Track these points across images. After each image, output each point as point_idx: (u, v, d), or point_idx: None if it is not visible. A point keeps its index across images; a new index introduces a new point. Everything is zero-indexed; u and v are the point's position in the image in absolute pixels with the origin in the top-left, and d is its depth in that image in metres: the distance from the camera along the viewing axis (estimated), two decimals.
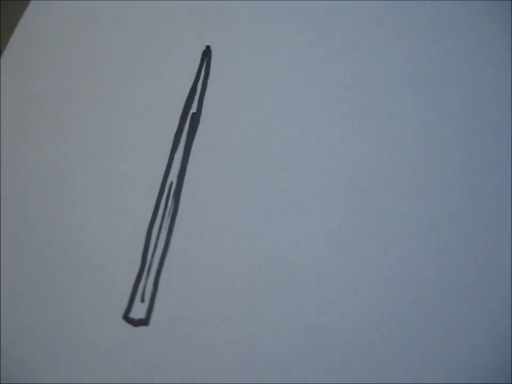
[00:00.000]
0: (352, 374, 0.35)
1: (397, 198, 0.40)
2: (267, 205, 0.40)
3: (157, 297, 0.37)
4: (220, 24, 0.48)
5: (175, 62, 0.46)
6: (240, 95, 0.45)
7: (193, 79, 0.46)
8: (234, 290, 0.37)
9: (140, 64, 0.46)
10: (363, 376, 0.35)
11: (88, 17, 0.49)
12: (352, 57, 0.46)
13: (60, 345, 0.36)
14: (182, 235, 0.39)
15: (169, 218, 0.40)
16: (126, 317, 0.37)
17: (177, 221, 0.40)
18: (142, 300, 0.37)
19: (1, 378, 0.35)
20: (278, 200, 0.40)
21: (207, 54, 0.47)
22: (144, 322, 0.37)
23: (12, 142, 0.43)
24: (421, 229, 0.39)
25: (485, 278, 0.37)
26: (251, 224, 0.39)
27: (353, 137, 0.42)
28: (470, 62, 0.45)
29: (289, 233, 0.39)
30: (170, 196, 0.41)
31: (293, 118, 0.43)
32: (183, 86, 0.45)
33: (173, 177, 0.41)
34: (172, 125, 0.44)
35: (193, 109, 0.44)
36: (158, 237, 0.39)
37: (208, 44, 0.47)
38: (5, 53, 0.47)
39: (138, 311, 0.37)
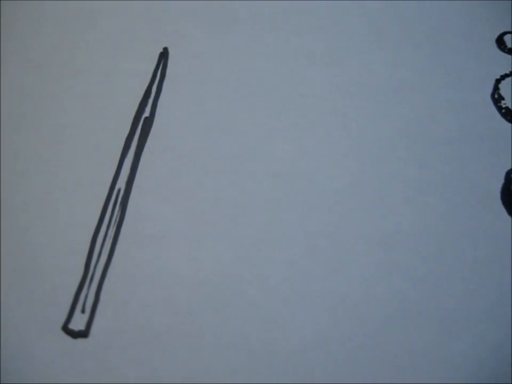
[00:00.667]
0: None
1: (349, 214, 0.39)
2: (215, 215, 0.39)
3: (98, 308, 0.36)
4: (178, 25, 0.47)
5: (129, 63, 0.45)
6: (195, 100, 0.44)
7: (148, 81, 0.45)
8: (177, 303, 0.36)
9: (91, 63, 0.45)
10: None
11: (42, 13, 0.47)
12: (308, 66, 0.45)
13: None
14: (127, 244, 0.38)
15: (115, 226, 0.39)
16: (65, 328, 0.36)
17: (123, 229, 0.39)
18: (83, 311, 0.36)
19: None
20: (227, 210, 0.39)
21: (164, 55, 0.46)
22: (83, 334, 0.36)
23: None
24: (371, 246, 0.38)
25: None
26: (198, 235, 0.38)
27: (307, 148, 0.42)
28: (467, 66, 0.45)
29: (236, 244, 0.38)
30: (117, 203, 0.40)
31: (247, 126, 0.42)
32: (138, 88, 0.44)
33: (121, 183, 0.40)
34: (123, 128, 0.42)
35: (147, 112, 0.43)
36: (102, 245, 0.38)
37: (165, 46, 0.46)
38: None
39: (78, 322, 0.36)
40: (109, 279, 0.37)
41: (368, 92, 0.44)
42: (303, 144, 0.42)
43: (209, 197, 0.40)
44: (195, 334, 0.35)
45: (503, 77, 0.45)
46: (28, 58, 0.45)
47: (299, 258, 0.38)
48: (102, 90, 0.44)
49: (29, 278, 0.37)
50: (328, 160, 0.41)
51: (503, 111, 0.43)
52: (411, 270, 0.37)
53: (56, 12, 0.47)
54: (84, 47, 0.46)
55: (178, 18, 0.47)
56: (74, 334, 0.36)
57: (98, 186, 0.40)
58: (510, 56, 0.46)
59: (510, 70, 0.45)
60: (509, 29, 0.47)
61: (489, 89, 0.44)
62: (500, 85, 0.44)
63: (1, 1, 0.47)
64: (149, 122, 0.43)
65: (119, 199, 0.40)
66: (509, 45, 0.46)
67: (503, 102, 0.43)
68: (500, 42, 0.46)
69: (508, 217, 0.39)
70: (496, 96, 0.44)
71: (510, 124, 0.43)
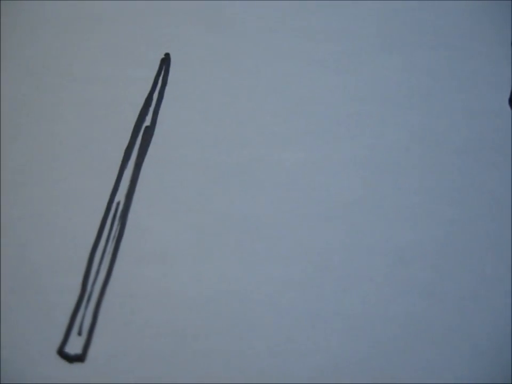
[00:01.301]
0: None
1: (361, 226, 0.37)
2: (221, 229, 0.37)
3: (95, 331, 0.34)
4: (181, 30, 0.45)
5: (129, 70, 0.43)
6: (199, 107, 0.41)
7: (149, 89, 0.42)
8: (180, 326, 0.34)
9: (89, 70, 0.43)
10: None
11: (40, 20, 0.45)
12: (318, 72, 0.43)
13: None
14: (126, 261, 0.36)
15: (114, 242, 0.36)
16: (60, 352, 0.33)
17: (122, 245, 0.36)
18: (79, 333, 0.34)
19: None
20: (234, 223, 0.37)
21: (165, 61, 0.44)
22: (80, 358, 0.33)
23: None
24: (386, 262, 0.36)
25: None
26: (203, 251, 0.36)
27: (319, 158, 0.39)
28: (471, 68, 0.43)
29: (244, 260, 0.36)
30: (116, 217, 0.37)
31: (252, 136, 0.40)
32: (139, 95, 0.42)
33: (120, 196, 0.38)
34: (123, 138, 0.40)
35: (147, 121, 0.41)
36: (100, 263, 0.36)
37: (167, 52, 0.44)
38: None
39: (75, 346, 0.34)
40: (108, 298, 0.35)
41: (381, 98, 0.42)
42: (314, 153, 0.39)
43: (215, 210, 0.37)
44: (201, 358, 0.33)
45: None
46: (24, 67, 0.43)
47: (311, 276, 0.35)
48: (101, 98, 0.42)
49: (24, 297, 0.35)
50: (340, 170, 0.39)
51: None
52: (429, 287, 0.35)
53: (53, 19, 0.45)
54: (82, 55, 0.44)
55: (180, 23, 0.45)
56: (70, 358, 0.33)
57: (96, 199, 0.38)
58: None
59: None
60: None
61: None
62: None
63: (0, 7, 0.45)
64: (150, 131, 0.40)
65: (118, 213, 0.37)
66: None
67: None
68: None
69: None
70: None
71: None
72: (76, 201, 0.38)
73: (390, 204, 0.38)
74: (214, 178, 0.39)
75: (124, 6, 0.46)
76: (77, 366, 0.33)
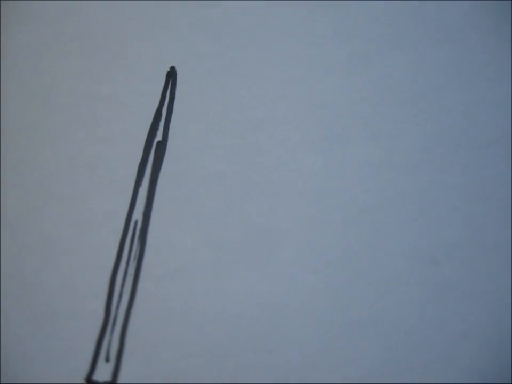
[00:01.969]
0: None
1: (388, 231, 0.36)
2: (245, 244, 0.36)
3: (124, 355, 0.33)
4: (185, 42, 0.44)
5: (136, 85, 0.42)
6: (211, 119, 0.40)
7: (157, 104, 0.41)
8: (211, 343, 0.33)
9: (98, 88, 0.42)
10: None
11: (44, 38, 0.44)
12: (327, 75, 0.42)
13: None
14: (150, 281, 0.35)
15: (135, 263, 0.35)
16: (88, 380, 0.32)
17: (144, 265, 0.35)
18: (107, 359, 0.33)
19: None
20: (257, 237, 0.36)
21: (172, 75, 0.43)
22: None
23: None
24: (418, 265, 0.35)
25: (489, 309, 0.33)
26: (228, 266, 0.35)
27: (337, 162, 0.38)
28: (474, 66, 0.42)
29: (271, 274, 0.35)
30: (135, 237, 0.36)
31: (272, 144, 0.39)
32: (147, 111, 0.41)
33: (137, 214, 0.37)
34: (134, 155, 0.39)
35: (159, 136, 0.40)
36: (123, 285, 0.35)
37: (172, 65, 0.43)
38: None
39: (103, 373, 0.32)
40: (134, 321, 0.34)
41: (395, 99, 0.41)
42: (332, 158, 0.38)
43: (235, 223, 0.36)
44: (234, 376, 0.32)
45: None
46: (29, 88, 0.42)
47: (341, 284, 0.34)
48: (109, 116, 0.41)
49: (43, 326, 0.33)
50: (360, 174, 0.38)
51: None
52: (467, 286, 0.34)
53: (56, 39, 0.44)
54: (86, 73, 0.43)
55: (184, 35, 0.44)
56: None
57: (113, 219, 0.36)
58: None
59: None
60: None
61: None
62: None
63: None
64: (162, 146, 0.39)
65: (137, 232, 0.36)
66: None
67: None
68: None
69: None
70: None
71: None
72: (91, 223, 0.36)
73: (414, 204, 0.37)
74: (232, 190, 0.38)
75: (123, 22, 0.45)
76: None
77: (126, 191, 0.38)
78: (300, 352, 0.32)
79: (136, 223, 0.36)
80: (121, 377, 0.32)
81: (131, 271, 0.35)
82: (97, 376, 0.32)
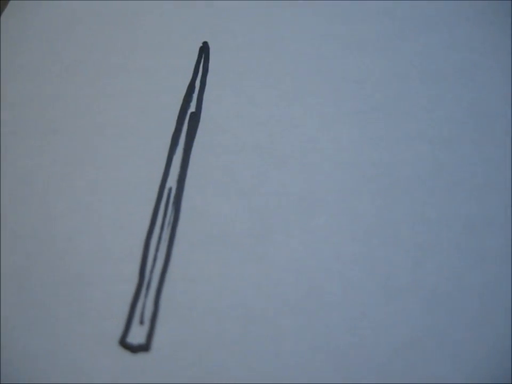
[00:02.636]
0: None
1: (426, 199, 0.35)
2: (280, 210, 0.35)
3: (158, 319, 0.32)
4: (218, 16, 0.44)
5: (171, 59, 0.42)
6: (243, 91, 0.40)
7: (190, 77, 0.41)
8: (247, 308, 0.32)
9: (133, 62, 0.42)
10: None
11: (76, 14, 0.44)
12: (361, 51, 0.42)
13: (49, 376, 0.31)
14: (184, 246, 0.34)
15: (170, 228, 0.35)
16: (123, 342, 0.32)
17: (179, 231, 0.35)
18: (141, 322, 0.32)
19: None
20: (292, 204, 0.35)
21: (204, 49, 0.43)
22: (144, 348, 0.31)
23: None
24: (457, 232, 0.34)
25: None
26: (263, 232, 0.35)
27: (371, 134, 0.38)
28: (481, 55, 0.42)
29: (308, 241, 0.34)
30: (169, 203, 0.36)
31: (303, 114, 0.39)
32: (180, 84, 0.41)
33: (172, 182, 0.37)
34: (168, 125, 0.39)
35: (192, 108, 0.40)
36: (157, 249, 0.34)
37: (205, 40, 0.43)
38: None
39: (137, 335, 0.32)
40: (168, 285, 0.33)
41: (430, 75, 0.41)
42: (368, 131, 0.38)
43: (272, 191, 0.36)
44: (272, 340, 0.31)
45: None
46: (63, 61, 0.42)
47: (379, 250, 0.34)
48: (142, 88, 0.40)
49: (78, 289, 0.33)
50: (398, 146, 0.38)
51: None
52: (504, 254, 0.33)
53: (90, 12, 0.44)
54: (119, 46, 0.43)
55: (217, 11, 0.44)
56: (134, 348, 0.31)
57: (148, 186, 0.36)
58: None
59: None
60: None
61: None
62: None
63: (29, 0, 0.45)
64: (195, 117, 0.39)
65: (171, 199, 0.36)
66: None
67: None
68: None
69: None
70: None
71: None
72: (128, 189, 0.36)
73: (451, 175, 0.36)
74: (268, 159, 0.37)
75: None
76: (141, 356, 0.31)
77: (161, 160, 0.37)
78: (338, 317, 0.32)
79: (170, 190, 0.36)
80: (156, 340, 0.32)
81: (165, 236, 0.35)
82: (131, 339, 0.32)
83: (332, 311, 0.32)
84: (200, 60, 0.42)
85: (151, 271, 0.34)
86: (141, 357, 0.31)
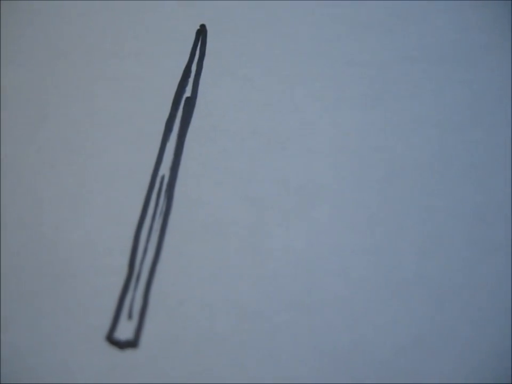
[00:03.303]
0: None
1: (433, 187, 0.33)
2: (278, 199, 0.33)
3: (147, 313, 0.30)
4: (216, 0, 0.42)
5: (165, 42, 0.40)
6: (241, 76, 0.38)
7: (186, 60, 0.39)
8: (241, 303, 0.30)
9: (126, 46, 0.40)
10: None
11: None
12: (365, 34, 0.40)
13: (30, 372, 0.29)
14: (176, 237, 0.32)
15: (161, 218, 0.33)
16: (110, 338, 0.30)
17: (171, 221, 0.33)
18: (130, 317, 0.30)
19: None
20: (291, 192, 0.34)
21: (202, 33, 0.41)
22: (132, 344, 0.30)
23: None
24: (466, 222, 0.32)
25: None
26: (259, 222, 0.33)
27: (375, 119, 0.36)
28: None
29: (305, 232, 0.32)
30: (162, 191, 0.34)
31: (303, 98, 0.37)
32: (175, 67, 0.39)
33: (164, 169, 0.35)
34: (162, 111, 0.37)
35: (187, 92, 0.38)
36: (148, 240, 0.32)
37: (202, 23, 0.41)
38: None
39: (125, 331, 0.30)
40: (159, 278, 0.31)
41: (436, 58, 0.39)
42: (372, 116, 0.36)
43: (270, 179, 0.34)
44: (268, 337, 0.30)
45: None
46: (55, 45, 0.40)
47: (383, 241, 0.32)
48: (136, 72, 0.39)
49: (64, 282, 0.31)
50: (403, 131, 0.36)
51: None
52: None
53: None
54: (112, 30, 0.41)
55: None
56: (122, 344, 0.30)
57: (140, 174, 0.34)
58: None
59: None
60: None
61: None
62: None
63: None
64: (191, 102, 0.37)
65: (164, 187, 0.34)
66: None
67: None
68: None
69: None
70: None
71: None
72: (118, 176, 0.34)
73: (459, 162, 0.34)
74: (265, 145, 0.35)
75: None
76: (129, 352, 0.30)
77: (153, 146, 0.36)
78: (338, 313, 0.30)
79: (163, 178, 0.34)
80: (144, 336, 0.30)
81: (157, 226, 0.33)
82: (118, 334, 0.30)
83: (332, 307, 0.30)
84: (197, 43, 0.40)
85: (141, 263, 0.32)
86: (129, 353, 0.30)
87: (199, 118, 0.37)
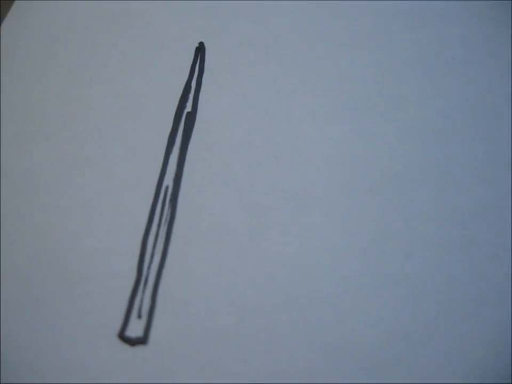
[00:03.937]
0: None
1: (416, 194, 0.36)
2: (274, 207, 0.36)
3: (155, 313, 0.33)
4: (214, 16, 0.45)
5: (167, 60, 0.43)
6: (238, 91, 0.41)
7: (186, 77, 0.42)
8: (241, 302, 0.33)
9: (130, 63, 0.43)
10: None
11: (73, 16, 0.45)
12: (354, 49, 0.43)
13: (48, 369, 0.32)
14: (180, 243, 0.35)
15: (166, 225, 0.36)
16: (121, 336, 0.33)
17: (175, 228, 0.36)
18: (139, 316, 0.33)
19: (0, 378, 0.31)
20: (286, 201, 0.36)
21: (200, 50, 0.43)
22: (142, 341, 0.33)
23: None
24: (446, 226, 0.35)
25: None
26: (258, 228, 0.35)
27: (364, 131, 0.39)
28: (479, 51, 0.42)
29: (301, 236, 0.35)
30: (166, 201, 0.37)
31: (297, 112, 0.40)
32: (176, 84, 0.42)
33: (168, 180, 0.38)
34: (165, 125, 0.40)
35: (188, 107, 0.41)
36: (154, 246, 0.35)
37: (201, 40, 0.44)
38: None
39: (135, 329, 0.33)
40: (165, 280, 0.34)
41: (422, 72, 0.41)
42: (359, 128, 0.39)
43: (267, 188, 0.37)
44: (267, 334, 0.32)
45: None
46: (61, 61, 0.43)
47: (371, 244, 0.35)
48: (140, 88, 0.41)
49: (78, 285, 0.34)
50: (390, 142, 0.38)
51: None
52: (492, 248, 0.34)
53: (86, 13, 0.45)
54: (116, 47, 0.44)
55: (212, 12, 0.45)
56: (132, 341, 0.32)
57: (145, 185, 0.37)
58: None
59: None
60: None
61: None
62: None
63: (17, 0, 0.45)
64: (191, 117, 0.40)
65: (168, 197, 0.37)
66: None
67: None
68: None
69: None
70: None
71: None
72: (125, 188, 0.37)
73: (439, 170, 0.37)
74: (262, 157, 0.38)
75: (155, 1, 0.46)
76: (139, 348, 0.32)
77: (158, 159, 0.38)
78: (330, 310, 0.33)
79: (167, 188, 0.37)
80: (153, 333, 0.33)
81: (162, 233, 0.36)
82: (129, 332, 0.33)
83: (325, 305, 0.33)
84: (196, 60, 0.43)
85: (149, 267, 0.35)
86: (139, 349, 0.32)
87: (199, 131, 0.39)
